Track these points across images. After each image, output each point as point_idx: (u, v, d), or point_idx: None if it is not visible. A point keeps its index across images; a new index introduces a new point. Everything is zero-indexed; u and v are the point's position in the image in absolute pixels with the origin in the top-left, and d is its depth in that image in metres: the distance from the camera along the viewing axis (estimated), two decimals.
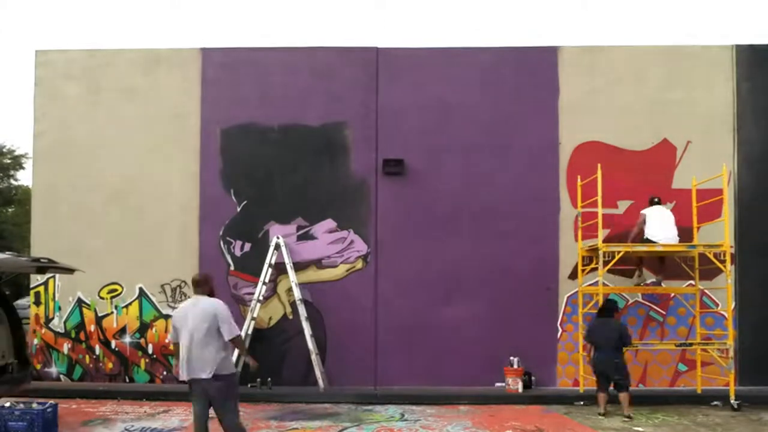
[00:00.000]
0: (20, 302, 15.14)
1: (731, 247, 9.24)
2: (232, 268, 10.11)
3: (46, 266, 7.56)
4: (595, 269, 9.17)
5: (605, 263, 8.70)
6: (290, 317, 9.98)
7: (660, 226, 8.77)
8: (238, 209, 10.20)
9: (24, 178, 27.18)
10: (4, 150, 25.80)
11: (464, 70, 10.23)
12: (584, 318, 9.41)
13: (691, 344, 9.14)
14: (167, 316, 10.02)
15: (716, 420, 7.90)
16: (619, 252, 8.68)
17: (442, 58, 10.29)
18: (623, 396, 7.96)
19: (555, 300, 9.89)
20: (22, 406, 6.47)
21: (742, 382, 9.30)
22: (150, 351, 10.09)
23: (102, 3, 54.58)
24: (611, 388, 8.10)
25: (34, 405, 6.47)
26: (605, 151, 9.97)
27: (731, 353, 8.68)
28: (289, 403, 8.85)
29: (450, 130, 10.12)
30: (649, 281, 9.47)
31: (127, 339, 10.13)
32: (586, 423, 7.72)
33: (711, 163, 9.39)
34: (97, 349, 10.15)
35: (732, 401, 8.43)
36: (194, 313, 5.20)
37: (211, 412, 5.26)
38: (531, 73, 10.19)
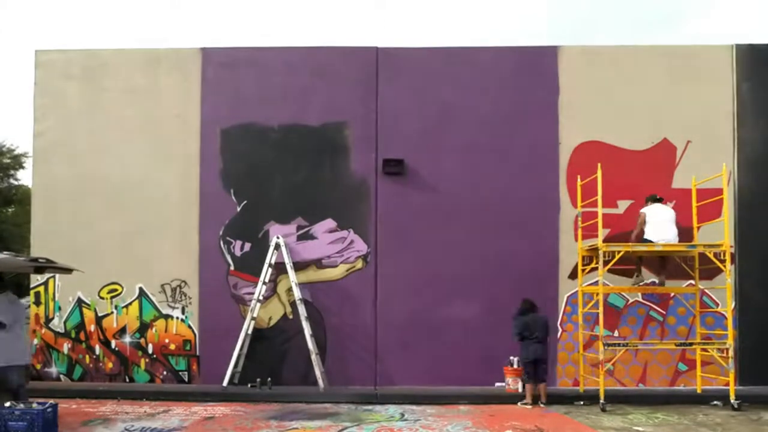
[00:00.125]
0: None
1: (731, 246, 9.25)
2: (232, 267, 10.12)
3: (44, 266, 7.57)
4: (595, 269, 9.17)
5: (605, 263, 8.71)
6: (290, 317, 9.99)
7: (659, 226, 8.74)
8: (238, 209, 10.21)
9: (24, 177, 27.15)
10: (4, 150, 25.74)
11: (464, 70, 10.23)
12: (584, 318, 9.43)
13: (691, 344, 9.15)
14: (167, 316, 10.08)
15: (716, 420, 7.90)
16: (619, 252, 8.68)
17: (442, 58, 10.29)
18: (543, 386, 8.80)
19: (555, 300, 9.89)
20: (22, 406, 6.47)
21: (742, 382, 9.31)
22: (150, 351, 10.09)
23: (102, 3, 54.62)
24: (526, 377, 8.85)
25: (34, 405, 6.47)
26: (605, 151, 9.97)
27: (731, 353, 8.68)
28: (289, 403, 8.84)
29: (450, 130, 10.13)
30: (648, 281, 9.47)
31: (127, 339, 10.14)
32: (586, 422, 7.72)
33: (711, 163, 9.39)
34: (97, 349, 10.16)
35: (732, 401, 8.42)
36: None
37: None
38: (531, 73, 10.19)
